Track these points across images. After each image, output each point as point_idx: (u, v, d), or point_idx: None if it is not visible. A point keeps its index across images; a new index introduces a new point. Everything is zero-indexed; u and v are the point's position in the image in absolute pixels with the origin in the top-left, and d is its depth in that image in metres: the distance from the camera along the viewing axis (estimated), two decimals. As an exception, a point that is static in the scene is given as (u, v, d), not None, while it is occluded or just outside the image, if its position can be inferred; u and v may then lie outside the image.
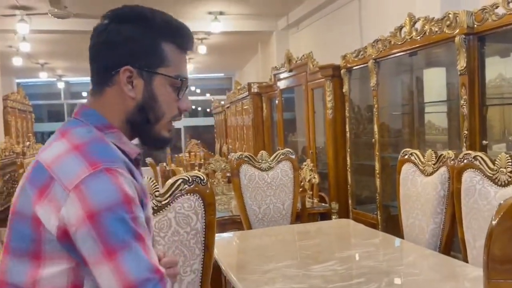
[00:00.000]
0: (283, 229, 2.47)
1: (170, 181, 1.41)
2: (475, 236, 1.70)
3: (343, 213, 3.45)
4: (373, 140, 3.07)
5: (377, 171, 3.02)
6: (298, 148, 4.81)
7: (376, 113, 3.02)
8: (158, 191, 1.38)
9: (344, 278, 1.55)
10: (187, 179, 1.40)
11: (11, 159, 5.05)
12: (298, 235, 2.29)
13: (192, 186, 1.39)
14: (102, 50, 0.83)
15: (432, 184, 1.98)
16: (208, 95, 12.54)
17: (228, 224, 2.94)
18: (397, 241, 2.02)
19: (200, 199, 1.38)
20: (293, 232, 2.35)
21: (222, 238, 2.28)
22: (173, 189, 1.38)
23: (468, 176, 1.75)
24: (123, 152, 0.82)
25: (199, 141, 10.41)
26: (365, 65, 3.07)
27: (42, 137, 10.38)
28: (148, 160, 6.35)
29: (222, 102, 9.49)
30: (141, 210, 0.78)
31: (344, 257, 1.81)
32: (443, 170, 1.94)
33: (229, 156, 5.72)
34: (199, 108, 13.11)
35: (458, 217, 1.81)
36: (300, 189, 2.90)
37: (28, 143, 6.17)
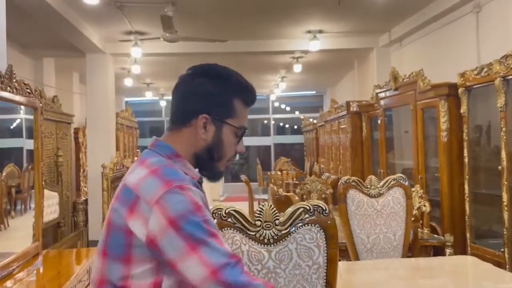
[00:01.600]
0: (395, 262, 2.27)
1: (290, 209, 1.35)
2: None
3: (460, 247, 3.10)
4: (500, 167, 2.73)
5: (505, 203, 2.66)
6: (396, 171, 4.50)
7: (504, 137, 2.68)
8: (278, 219, 1.33)
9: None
10: (308, 208, 1.32)
11: (122, 172, 5.48)
12: (414, 271, 2.08)
13: (313, 217, 1.31)
14: (188, 97, 1.03)
15: None
16: (297, 112, 12.53)
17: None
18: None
19: (322, 230, 1.30)
20: (408, 267, 2.14)
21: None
22: (293, 217, 1.32)
23: None
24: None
25: (289, 159, 10.39)
26: (490, 83, 2.77)
27: (145, 152, 11.13)
28: (243, 177, 6.46)
29: (312, 120, 9.38)
30: (209, 213, 0.97)
31: None
32: None
33: (323, 177, 5.59)
34: (287, 125, 13.15)
35: None
36: (412, 219, 2.67)
37: (136, 158, 6.66)
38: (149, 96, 10.74)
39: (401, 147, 4.69)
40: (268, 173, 8.15)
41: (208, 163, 1.04)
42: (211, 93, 1.02)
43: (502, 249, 2.69)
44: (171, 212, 0.89)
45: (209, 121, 1.02)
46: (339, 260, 2.72)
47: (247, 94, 1.06)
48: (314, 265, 1.27)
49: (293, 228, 1.30)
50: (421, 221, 3.26)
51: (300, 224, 1.31)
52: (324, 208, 1.33)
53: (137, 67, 6.70)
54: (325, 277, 1.28)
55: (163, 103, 12.28)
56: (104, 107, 6.03)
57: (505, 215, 2.66)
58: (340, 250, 2.83)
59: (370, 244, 2.47)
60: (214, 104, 1.02)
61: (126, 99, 11.67)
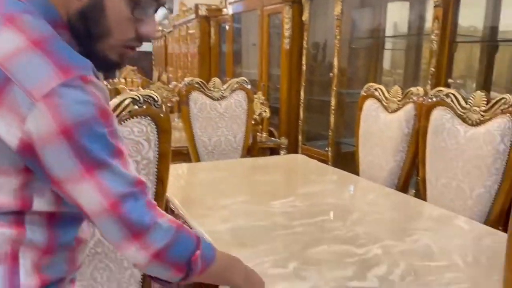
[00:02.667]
0: (235, 162, 2.33)
1: (116, 100, 1.16)
2: (438, 175, 1.68)
3: (292, 149, 3.39)
4: (331, 74, 2.95)
5: (333, 107, 2.93)
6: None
7: (337, 45, 2.87)
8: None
9: (307, 215, 1.45)
10: (137, 98, 1.16)
11: None
12: (252, 169, 2.16)
13: (143, 108, 1.16)
14: None
15: (397, 121, 1.91)
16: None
17: (173, 156, 2.75)
18: (355, 178, 1.97)
19: (153, 123, 1.16)
20: (246, 166, 2.22)
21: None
22: (120, 109, 1.14)
23: (438, 114, 1.69)
24: None
25: (135, 68, 9.74)
26: (330, -9, 2.86)
27: None
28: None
29: (162, 28, 8.80)
30: (116, 119, 0.72)
31: (304, 194, 1.72)
32: (409, 107, 1.87)
33: (170, 85, 5.39)
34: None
35: (421, 156, 1.77)
36: (253, 122, 2.75)
37: None
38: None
39: (248, 59, 4.74)
40: (110, 80, 7.51)
41: (86, 42, 0.71)
42: None
43: (327, 149, 3.02)
44: (67, 115, 0.61)
45: None
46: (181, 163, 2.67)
47: None
48: (144, 160, 1.15)
49: (119, 121, 1.14)
50: (260, 126, 3.42)
51: (127, 116, 1.15)
52: (156, 99, 1.18)
53: None
54: (156, 174, 1.18)
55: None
56: None
57: (332, 119, 2.95)
58: (181, 153, 2.80)
59: (211, 146, 2.47)
60: None
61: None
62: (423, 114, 1.75)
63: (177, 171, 2.07)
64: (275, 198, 1.64)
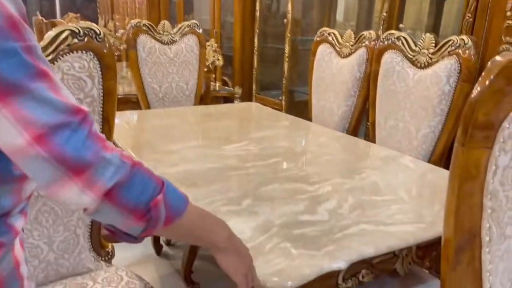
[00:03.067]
0: (187, 110, 2.27)
1: (52, 33, 1.07)
2: (387, 117, 1.73)
3: (247, 98, 3.35)
4: (285, 20, 2.89)
5: (287, 54, 2.90)
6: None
7: (292, -11, 2.79)
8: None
9: (260, 158, 1.46)
10: (77, 31, 1.07)
11: None
12: (205, 116, 2.12)
13: (84, 42, 1.07)
14: None
15: (349, 66, 1.92)
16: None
17: (121, 104, 2.64)
18: (307, 123, 1.99)
19: (95, 59, 1.08)
20: (199, 114, 2.17)
21: (116, 117, 2.01)
22: (57, 42, 1.05)
23: (388, 57, 1.71)
24: None
25: (78, 15, 9.09)
26: None
27: None
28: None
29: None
30: (34, 36, 0.57)
31: (257, 138, 1.71)
32: (362, 51, 1.88)
33: (117, 33, 5.09)
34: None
35: (372, 99, 1.81)
36: (205, 69, 2.67)
37: None
38: None
39: (200, 6, 4.53)
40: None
41: None
42: None
43: (281, 98, 3.02)
44: None
45: None
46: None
47: None
48: (87, 99, 1.08)
49: (57, 56, 1.05)
50: (214, 75, 3.34)
51: (67, 51, 1.06)
52: (98, 32, 1.10)
53: None
54: (101, 113, 1.11)
55: None
56: None
57: (285, 66, 2.92)
58: (130, 101, 2.69)
59: (162, 93, 2.39)
60: None
61: None
62: (374, 58, 1.77)
63: (126, 117, 1.99)
64: (228, 142, 1.62)
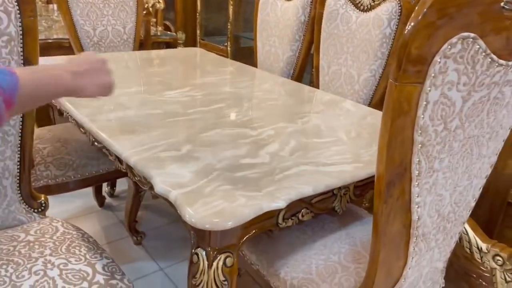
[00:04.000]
0: (125, 55, 2.15)
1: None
2: (330, 62, 1.73)
3: (190, 44, 3.23)
4: (229, -41, 2.76)
5: (231, 1, 2.79)
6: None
7: None
8: None
9: (203, 104, 1.42)
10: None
11: None
12: (145, 61, 2.02)
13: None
14: None
15: (294, 9, 1.88)
16: None
17: (53, 49, 2.45)
18: (252, 69, 1.96)
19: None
20: (138, 59, 2.07)
21: (46, 61, 1.87)
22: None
23: (332, 0, 1.69)
24: None
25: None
26: None
27: None
28: None
29: None
30: None
31: (200, 84, 1.67)
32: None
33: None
34: None
35: (316, 44, 1.80)
36: (144, 12, 2.51)
37: None
38: None
39: None
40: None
41: None
42: None
43: (226, 43, 2.93)
44: None
45: None
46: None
47: None
48: (3, 37, 0.97)
49: (-37, -14, 0.92)
50: (154, 19, 3.16)
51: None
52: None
53: None
54: (21, 53, 1.01)
55: None
56: None
57: (230, 11, 2.82)
58: (62, 46, 2.50)
59: (97, 37, 2.23)
60: None
61: None
62: (318, 1, 1.74)
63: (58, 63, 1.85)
64: (170, 88, 1.57)
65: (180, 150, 1.06)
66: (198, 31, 3.20)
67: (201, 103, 1.43)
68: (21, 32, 1.00)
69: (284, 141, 1.15)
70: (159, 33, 3.02)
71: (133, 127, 1.18)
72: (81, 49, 2.21)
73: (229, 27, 2.85)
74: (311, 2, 1.82)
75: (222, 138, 1.15)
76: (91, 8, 2.17)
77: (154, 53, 2.26)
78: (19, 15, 0.99)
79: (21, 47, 1.01)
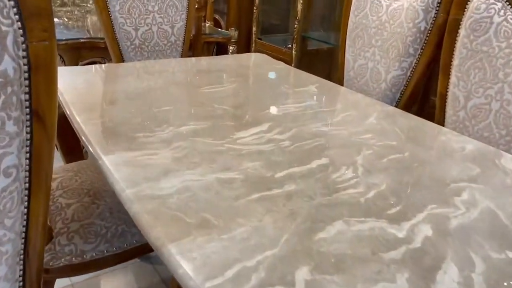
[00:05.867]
0: (173, 63, 1.73)
1: None
2: (356, 55, 1.72)
3: (244, 43, 2.79)
4: None
5: (302, -10, 2.32)
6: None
7: None
8: None
9: (295, 157, 0.98)
10: None
11: None
12: (198, 75, 1.60)
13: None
14: None
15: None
16: None
17: (85, 50, 2.07)
18: (340, 90, 1.49)
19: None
20: (189, 70, 1.64)
21: (74, 71, 1.47)
22: None
23: None
24: None
25: None
26: None
27: None
28: None
29: None
30: None
31: (280, 118, 1.23)
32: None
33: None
34: None
35: (343, 35, 1.51)
36: (196, 6, 2.08)
37: None
38: None
39: None
40: None
41: None
42: None
43: (290, 45, 2.47)
44: None
45: None
46: (101, 63, 2.02)
47: None
48: None
49: None
50: (204, 13, 2.74)
51: None
52: None
53: None
54: (27, 102, 0.60)
55: None
56: None
57: (298, 6, 2.35)
58: (96, 47, 2.11)
59: (139, 39, 1.83)
60: None
61: None
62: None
63: (88, 74, 1.45)
64: (241, 125, 1.13)
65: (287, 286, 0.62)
66: (254, 28, 2.75)
67: (291, 157, 0.98)
68: (26, 67, 0.59)
69: (462, 260, 0.69)
70: (208, 31, 2.59)
71: (204, 212, 0.75)
72: (119, 53, 1.81)
73: (296, 26, 2.38)
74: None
75: (353, 250, 0.69)
76: (133, 3, 1.76)
77: (208, 62, 1.83)
78: (22, 39, 0.58)
79: (27, 92, 0.60)
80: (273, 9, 2.76)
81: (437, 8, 1.32)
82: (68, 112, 1.12)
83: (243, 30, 2.80)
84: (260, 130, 1.12)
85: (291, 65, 2.44)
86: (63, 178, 1.21)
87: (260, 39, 2.73)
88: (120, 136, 1.01)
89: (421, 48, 1.38)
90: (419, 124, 1.26)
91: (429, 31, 1.34)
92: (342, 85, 1.65)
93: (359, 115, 1.32)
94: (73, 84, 1.35)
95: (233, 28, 2.79)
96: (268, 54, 2.20)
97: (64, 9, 2.70)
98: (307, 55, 2.41)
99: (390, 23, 1.45)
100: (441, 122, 1.32)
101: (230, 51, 2.80)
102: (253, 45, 2.75)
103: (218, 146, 1.01)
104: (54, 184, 1.20)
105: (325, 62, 2.42)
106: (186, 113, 1.21)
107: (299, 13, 2.33)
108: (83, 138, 0.99)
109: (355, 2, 1.54)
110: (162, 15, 1.83)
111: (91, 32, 2.24)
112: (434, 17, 1.33)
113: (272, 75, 1.68)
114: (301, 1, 2.29)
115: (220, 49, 2.65)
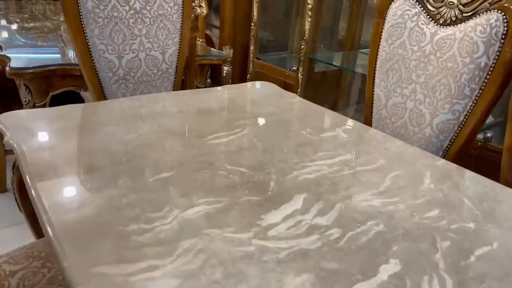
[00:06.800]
0: (168, 100, 1.44)
1: None
2: (389, 91, 1.44)
3: (240, 63, 2.52)
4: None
5: (310, 4, 2.05)
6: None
7: None
8: None
9: (355, 264, 0.71)
10: None
11: None
12: (202, 117, 1.31)
13: None
14: None
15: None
16: None
17: (56, 79, 1.76)
18: (375, 136, 1.23)
19: None
20: (189, 109, 1.36)
21: (37, 117, 1.16)
22: None
23: (398, 8, 0.97)
24: None
25: None
26: None
27: None
28: None
29: None
30: None
31: (315, 183, 0.95)
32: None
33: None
34: None
35: (371, 66, 1.24)
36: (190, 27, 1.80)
37: None
38: None
39: None
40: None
41: None
42: None
43: (295, 67, 2.21)
44: None
45: None
46: (77, 92, 1.71)
47: None
48: None
49: None
50: (198, 32, 2.45)
51: None
52: None
53: None
54: None
55: None
56: None
57: (307, 22, 2.09)
58: (71, 75, 1.81)
59: (123, 69, 1.54)
60: None
61: None
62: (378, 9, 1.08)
63: (58, 123, 1.14)
64: (268, 202, 0.86)
65: None
66: (252, 47, 2.47)
67: (349, 261, 0.71)
68: None
69: None
70: (200, 51, 2.31)
71: None
72: (99, 86, 1.51)
73: (302, 47, 2.12)
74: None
75: None
76: (115, 26, 1.47)
77: (207, 96, 1.54)
78: None
79: None
80: (270, 24, 2.50)
81: (502, 41, 1.08)
82: (32, 193, 0.82)
83: (238, 48, 2.53)
84: (295, 210, 0.85)
85: (297, 90, 2.18)
86: (25, 273, 0.91)
87: (259, 58, 2.46)
88: (106, 236, 0.72)
89: (480, 89, 1.13)
90: (488, 189, 1.01)
91: (491, 69, 1.10)
92: (370, 124, 1.40)
93: (410, 175, 1.05)
94: (38, 142, 1.05)
95: (227, 47, 2.51)
96: (269, 77, 1.95)
97: (33, 24, 2.39)
98: (313, 78, 2.15)
99: (437, 55, 1.20)
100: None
101: (225, 71, 2.53)
102: (251, 65, 2.48)
103: (245, 245, 0.73)
104: (14, 281, 0.90)
105: (332, 86, 2.17)
106: (191, 182, 0.93)
107: (306, 33, 2.07)
108: (53, 242, 0.70)
109: (388, 28, 1.29)
110: (151, 40, 1.54)
111: (66, 47, 1.94)
112: (498, 51, 1.08)
113: (287, 113, 1.41)
114: (309, 20, 2.03)
115: (214, 71, 2.37)
